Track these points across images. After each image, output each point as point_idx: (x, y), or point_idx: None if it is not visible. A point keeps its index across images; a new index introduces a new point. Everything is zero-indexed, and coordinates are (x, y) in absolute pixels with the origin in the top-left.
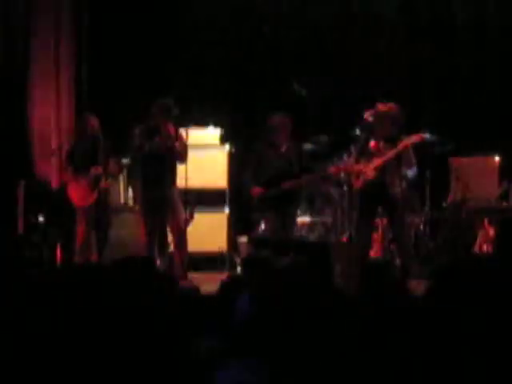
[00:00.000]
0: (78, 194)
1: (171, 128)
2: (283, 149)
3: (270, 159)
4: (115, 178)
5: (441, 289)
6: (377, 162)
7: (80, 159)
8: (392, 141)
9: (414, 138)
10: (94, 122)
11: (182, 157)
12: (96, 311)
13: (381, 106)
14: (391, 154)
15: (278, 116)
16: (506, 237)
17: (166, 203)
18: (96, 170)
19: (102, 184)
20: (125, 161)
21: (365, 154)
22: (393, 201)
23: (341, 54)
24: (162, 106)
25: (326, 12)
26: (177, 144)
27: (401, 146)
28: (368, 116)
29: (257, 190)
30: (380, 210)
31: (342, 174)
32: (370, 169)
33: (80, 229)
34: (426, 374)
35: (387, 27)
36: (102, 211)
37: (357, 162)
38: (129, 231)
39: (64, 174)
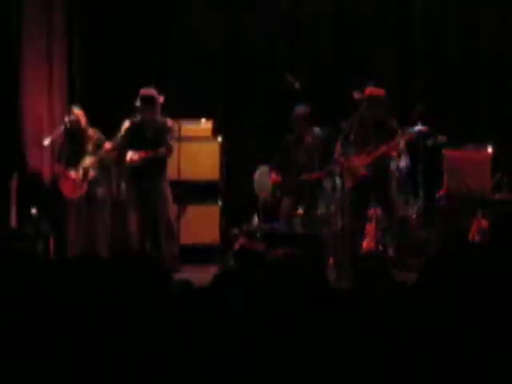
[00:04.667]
0: (68, 186)
1: (159, 118)
2: (307, 140)
3: (293, 151)
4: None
5: (430, 278)
6: (366, 159)
7: (70, 152)
8: (381, 125)
9: (406, 137)
10: (80, 115)
11: (167, 150)
12: (90, 304)
13: (369, 91)
14: (381, 151)
15: (297, 108)
16: (500, 229)
17: (154, 196)
18: (86, 163)
19: (91, 175)
20: None
21: (353, 141)
22: (385, 194)
23: (333, 47)
24: (144, 97)
25: (318, 12)
26: (150, 154)
27: (392, 144)
28: (357, 96)
29: (273, 177)
30: (373, 201)
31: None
32: (360, 166)
33: (72, 221)
34: (420, 367)
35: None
36: (92, 203)
37: (344, 153)
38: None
39: (56, 168)
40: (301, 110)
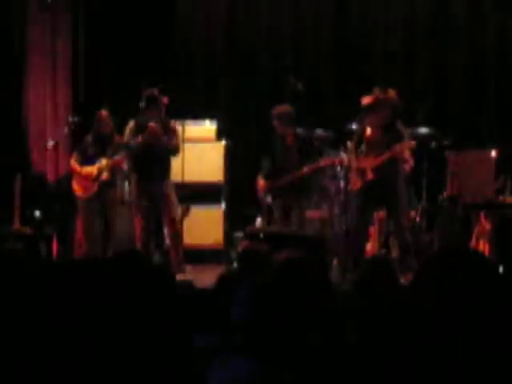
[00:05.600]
0: (80, 185)
1: (156, 127)
2: (289, 139)
3: (278, 151)
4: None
5: (424, 280)
6: (373, 162)
7: (91, 153)
8: (389, 128)
9: (410, 144)
10: (107, 118)
11: (172, 151)
12: (90, 305)
13: (379, 93)
14: (386, 155)
15: (277, 107)
16: (503, 234)
17: (158, 197)
18: (100, 163)
19: (104, 176)
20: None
21: (363, 144)
22: (393, 197)
23: (338, 47)
24: (148, 97)
25: (323, 10)
26: (165, 139)
27: (397, 149)
28: (366, 102)
29: (261, 184)
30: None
31: (338, 168)
32: (367, 169)
33: (79, 221)
34: (421, 369)
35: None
36: (104, 204)
37: (356, 154)
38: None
39: (72, 165)
40: (278, 109)
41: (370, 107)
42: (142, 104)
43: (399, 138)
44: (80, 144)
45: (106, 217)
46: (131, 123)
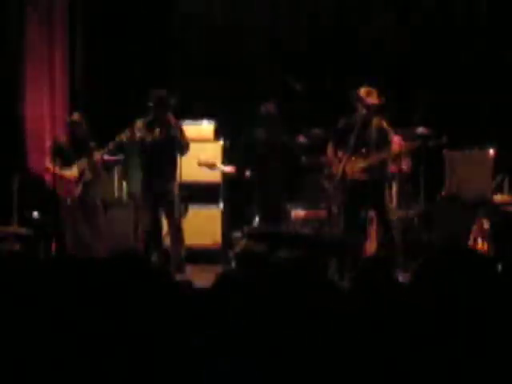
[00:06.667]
0: (62, 187)
1: (171, 118)
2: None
3: None
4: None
5: (425, 279)
6: (363, 162)
7: (67, 154)
8: (370, 126)
9: (408, 146)
10: (80, 120)
11: (184, 148)
12: (89, 305)
13: (362, 91)
14: (379, 156)
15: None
16: (502, 233)
17: (164, 196)
18: (81, 164)
19: (87, 176)
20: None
21: (346, 145)
22: (380, 197)
23: (334, 45)
24: (157, 97)
25: (319, 5)
26: (182, 134)
27: (393, 150)
28: (375, 101)
29: None
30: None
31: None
32: (357, 170)
33: (67, 223)
34: (419, 368)
35: (379, 18)
36: (87, 205)
37: (335, 152)
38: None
39: (50, 168)
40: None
41: (379, 107)
42: (150, 102)
43: (385, 137)
44: (55, 146)
45: (91, 217)
46: (139, 122)
